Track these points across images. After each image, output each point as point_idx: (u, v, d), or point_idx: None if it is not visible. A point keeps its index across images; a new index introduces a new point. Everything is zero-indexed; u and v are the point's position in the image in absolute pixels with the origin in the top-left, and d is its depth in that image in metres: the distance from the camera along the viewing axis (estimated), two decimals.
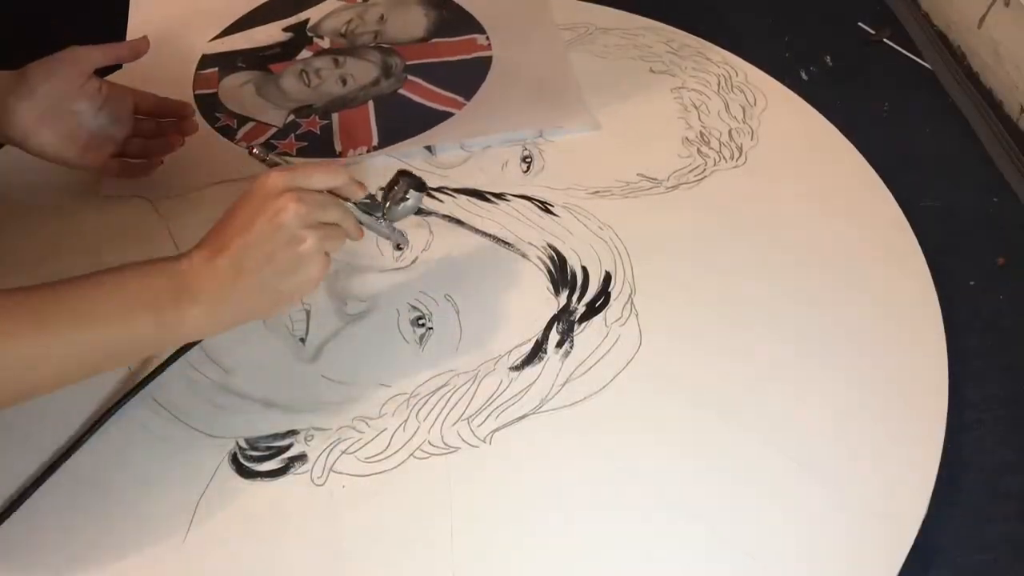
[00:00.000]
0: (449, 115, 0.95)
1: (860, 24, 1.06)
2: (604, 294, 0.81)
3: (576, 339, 0.78)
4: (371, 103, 0.97)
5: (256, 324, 0.79)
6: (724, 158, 0.91)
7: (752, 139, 0.93)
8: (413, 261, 0.83)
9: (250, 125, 0.96)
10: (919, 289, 0.80)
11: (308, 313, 0.80)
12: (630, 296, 0.81)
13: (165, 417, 0.74)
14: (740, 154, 0.92)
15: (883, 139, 0.92)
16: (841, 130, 0.93)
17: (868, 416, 0.72)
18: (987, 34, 0.97)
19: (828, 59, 1.03)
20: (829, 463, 0.70)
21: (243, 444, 0.73)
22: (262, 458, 0.72)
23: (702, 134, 0.93)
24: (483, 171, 0.92)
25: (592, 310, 0.80)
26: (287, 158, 0.83)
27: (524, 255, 0.84)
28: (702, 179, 0.90)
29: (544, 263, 0.83)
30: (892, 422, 0.72)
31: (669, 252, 0.84)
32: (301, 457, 0.72)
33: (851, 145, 0.92)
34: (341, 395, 0.75)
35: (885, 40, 1.04)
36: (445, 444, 0.73)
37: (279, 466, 0.71)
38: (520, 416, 0.74)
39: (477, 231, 0.86)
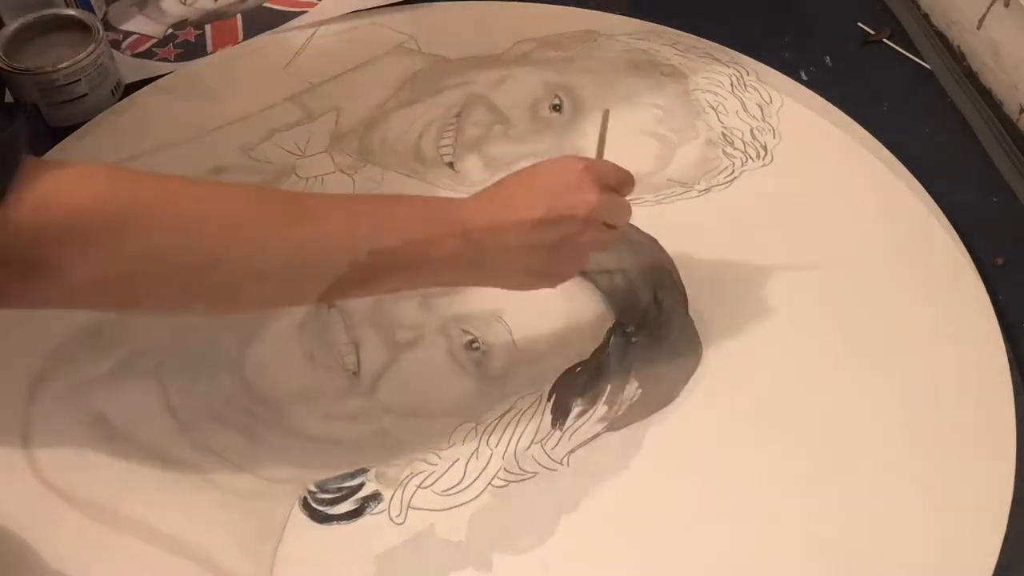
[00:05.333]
0: (304, 13, 1.09)
1: (860, 24, 1.07)
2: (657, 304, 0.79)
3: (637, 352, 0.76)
4: (239, 16, 1.10)
5: (301, 360, 0.75)
6: (751, 158, 0.91)
7: (775, 137, 0.92)
8: None
9: (134, 37, 1.08)
10: (964, 280, 0.81)
11: (356, 345, 0.75)
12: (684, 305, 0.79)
13: (226, 466, 0.69)
14: (766, 153, 0.91)
15: (883, 139, 0.92)
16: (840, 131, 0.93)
17: (935, 409, 0.73)
18: (987, 34, 0.99)
19: (828, 59, 1.03)
20: (907, 460, 0.71)
21: (312, 487, 0.68)
22: (334, 500, 0.67)
23: (724, 134, 0.92)
24: None
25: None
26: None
27: None
28: (733, 180, 0.89)
29: (591, 275, 0.80)
30: (963, 420, 0.73)
31: (713, 257, 0.83)
32: (375, 496, 0.68)
33: (873, 137, 0.92)
34: (406, 428, 0.72)
35: (885, 40, 1.05)
36: (522, 470, 0.70)
37: (354, 507, 0.67)
38: (593, 436, 0.72)
39: None
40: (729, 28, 1.04)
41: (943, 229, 0.84)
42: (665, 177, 0.89)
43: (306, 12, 1.08)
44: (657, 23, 1.05)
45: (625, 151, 0.90)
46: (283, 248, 0.58)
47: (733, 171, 0.90)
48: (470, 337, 0.75)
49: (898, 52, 1.04)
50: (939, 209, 0.86)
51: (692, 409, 0.73)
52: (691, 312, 0.78)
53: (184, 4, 1.12)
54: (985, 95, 0.99)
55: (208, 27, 1.09)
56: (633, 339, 0.77)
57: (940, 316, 0.79)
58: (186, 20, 1.09)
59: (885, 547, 0.66)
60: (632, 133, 0.93)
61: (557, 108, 0.94)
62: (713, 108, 0.95)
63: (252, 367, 0.75)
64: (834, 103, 0.96)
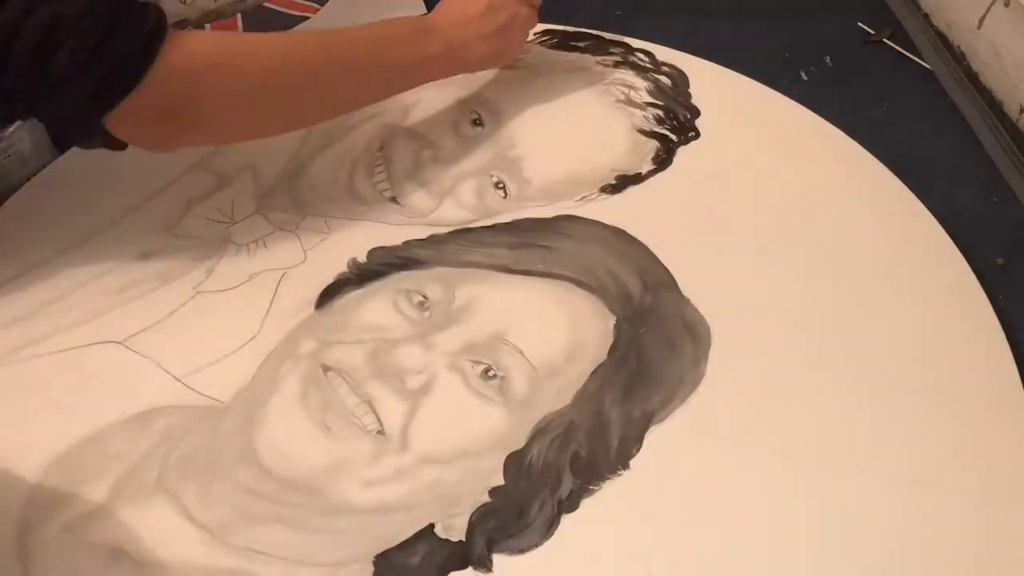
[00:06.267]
0: (305, 19, 1.10)
1: (860, 24, 1.07)
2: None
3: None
4: (239, 16, 1.11)
5: (316, 433, 0.70)
6: (681, 135, 0.92)
7: (696, 113, 0.94)
8: None
9: None
10: (962, 280, 0.81)
11: (370, 403, 0.71)
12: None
13: (278, 563, 0.66)
14: (692, 129, 0.93)
15: (883, 139, 0.92)
16: (842, 130, 0.93)
17: (936, 409, 0.73)
18: (987, 34, 0.99)
19: (828, 59, 1.03)
20: (908, 463, 0.70)
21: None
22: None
23: (646, 118, 0.93)
24: (462, 207, 0.87)
25: None
26: None
27: (553, 275, 0.80)
28: (670, 158, 0.90)
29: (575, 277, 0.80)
30: (964, 420, 0.73)
31: (684, 239, 0.83)
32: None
33: (870, 139, 0.92)
34: (456, 472, 0.69)
35: (885, 40, 1.05)
36: None
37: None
38: None
39: (492, 267, 0.81)
40: (729, 28, 1.05)
41: (942, 229, 0.84)
42: (608, 169, 0.90)
43: (308, 18, 1.07)
44: (657, 23, 1.05)
45: (558, 153, 0.90)
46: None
47: (667, 150, 0.91)
48: (484, 366, 0.73)
49: (898, 52, 1.04)
50: (939, 209, 0.86)
51: (692, 409, 0.73)
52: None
53: (184, 4, 1.11)
54: (985, 95, 0.99)
55: (208, 27, 1.09)
56: (641, 329, 0.76)
57: (939, 316, 0.79)
58: (186, 20, 1.09)
59: (886, 550, 0.66)
60: (560, 134, 0.93)
61: (478, 122, 0.93)
62: (626, 94, 0.95)
63: (267, 453, 0.70)
64: (834, 103, 0.96)
